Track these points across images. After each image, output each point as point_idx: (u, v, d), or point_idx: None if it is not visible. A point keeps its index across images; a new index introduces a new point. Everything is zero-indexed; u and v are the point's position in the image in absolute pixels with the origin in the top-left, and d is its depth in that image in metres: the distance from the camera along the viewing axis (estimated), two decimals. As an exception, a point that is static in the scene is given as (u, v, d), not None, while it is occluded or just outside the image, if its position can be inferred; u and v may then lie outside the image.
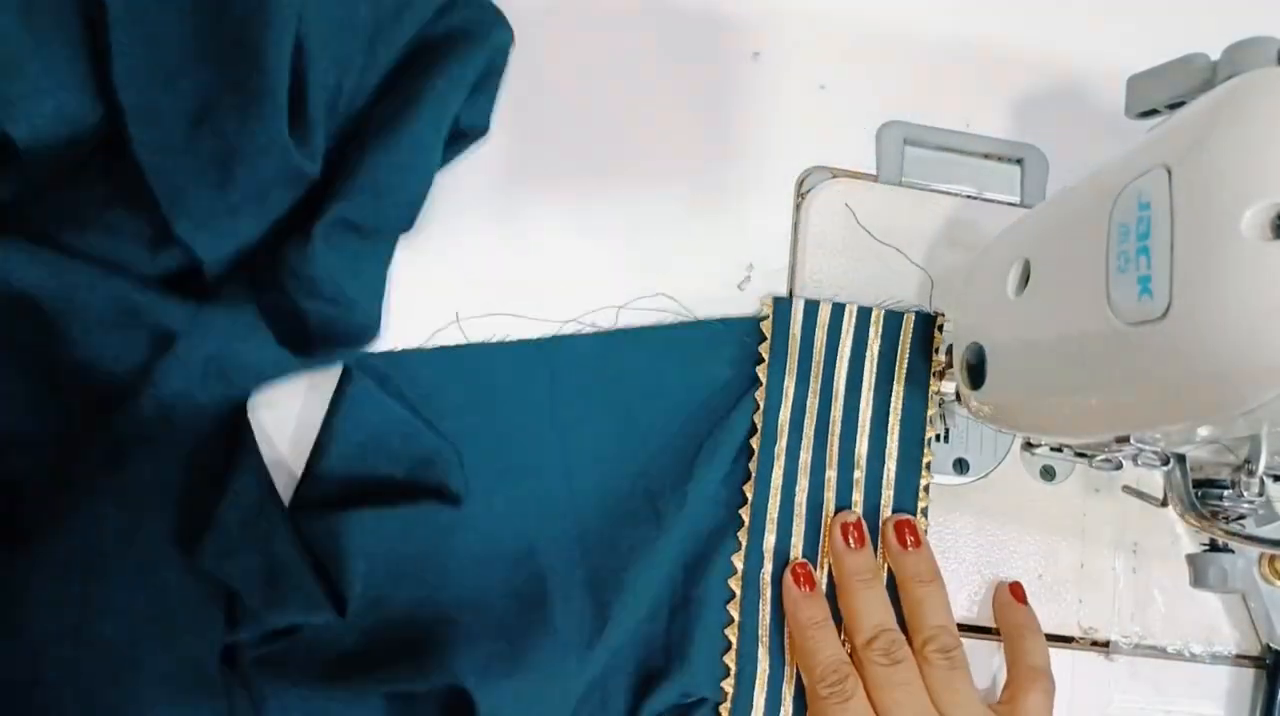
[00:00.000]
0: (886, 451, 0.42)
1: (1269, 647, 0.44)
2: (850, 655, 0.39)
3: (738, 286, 0.45)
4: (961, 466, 0.44)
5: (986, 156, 0.48)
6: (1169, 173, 0.26)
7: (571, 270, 0.44)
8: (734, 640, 0.40)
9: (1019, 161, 0.48)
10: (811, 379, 0.42)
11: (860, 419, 0.42)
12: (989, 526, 0.44)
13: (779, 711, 0.40)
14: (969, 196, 0.47)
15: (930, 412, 0.42)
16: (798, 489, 0.41)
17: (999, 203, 0.47)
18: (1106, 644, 0.44)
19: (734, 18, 0.47)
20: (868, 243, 0.45)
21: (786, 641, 0.40)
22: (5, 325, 0.35)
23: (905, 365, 0.42)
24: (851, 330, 0.43)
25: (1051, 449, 0.37)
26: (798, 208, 0.46)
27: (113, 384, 0.36)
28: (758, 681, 0.40)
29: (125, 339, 0.35)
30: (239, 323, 0.37)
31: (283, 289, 0.37)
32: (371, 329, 0.41)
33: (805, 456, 0.42)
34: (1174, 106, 0.30)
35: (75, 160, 0.36)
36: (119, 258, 0.36)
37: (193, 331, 0.36)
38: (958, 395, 0.39)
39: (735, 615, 0.40)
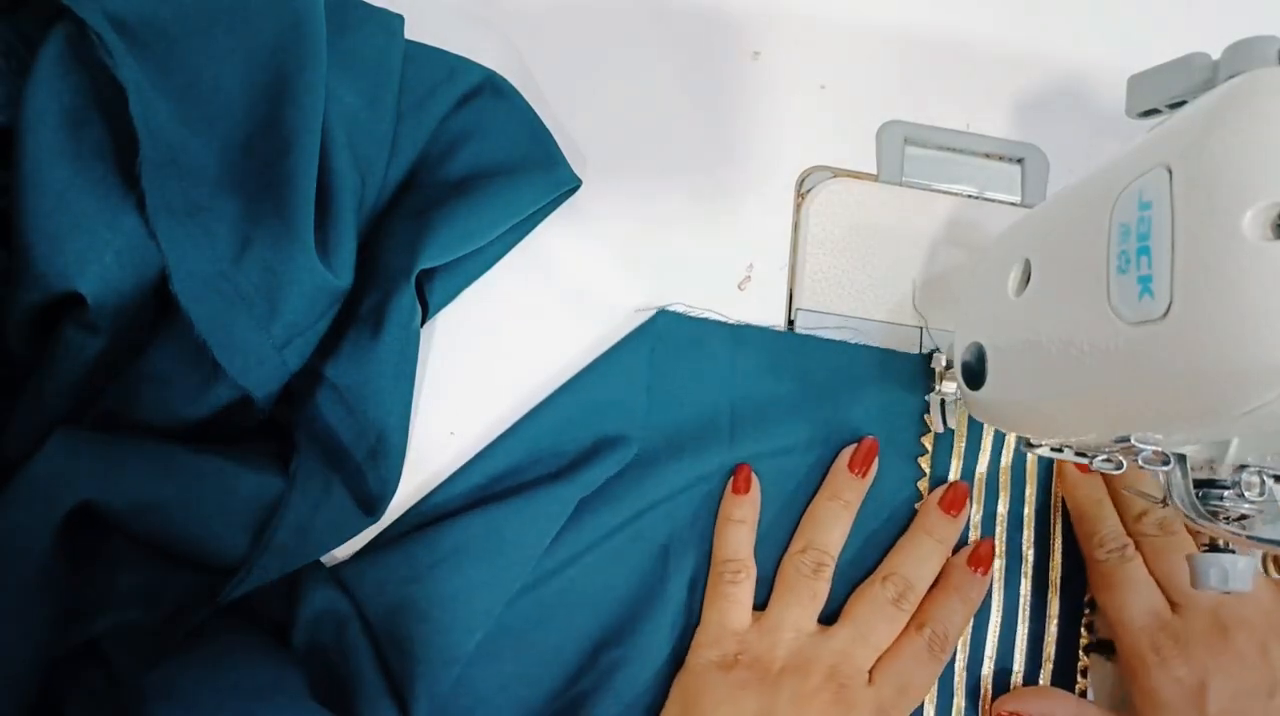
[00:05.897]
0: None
1: (1269, 647, 0.43)
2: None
3: (738, 286, 0.45)
4: (962, 466, 0.44)
5: (987, 156, 0.48)
6: (1169, 173, 0.26)
7: (571, 270, 0.44)
8: None
9: (1019, 161, 0.48)
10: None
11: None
12: (989, 526, 0.44)
13: None
14: (969, 196, 0.47)
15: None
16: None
17: (999, 203, 0.47)
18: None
19: (734, 18, 0.47)
20: (868, 242, 0.45)
21: None
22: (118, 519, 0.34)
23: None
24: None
25: (1051, 449, 0.37)
26: (798, 208, 0.46)
27: (213, 569, 0.36)
28: None
29: (226, 527, 0.35)
30: (314, 495, 0.37)
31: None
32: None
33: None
34: (1174, 106, 0.30)
35: (142, 307, 0.34)
36: (169, 407, 0.35)
37: (283, 519, 0.36)
38: (958, 395, 0.39)
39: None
